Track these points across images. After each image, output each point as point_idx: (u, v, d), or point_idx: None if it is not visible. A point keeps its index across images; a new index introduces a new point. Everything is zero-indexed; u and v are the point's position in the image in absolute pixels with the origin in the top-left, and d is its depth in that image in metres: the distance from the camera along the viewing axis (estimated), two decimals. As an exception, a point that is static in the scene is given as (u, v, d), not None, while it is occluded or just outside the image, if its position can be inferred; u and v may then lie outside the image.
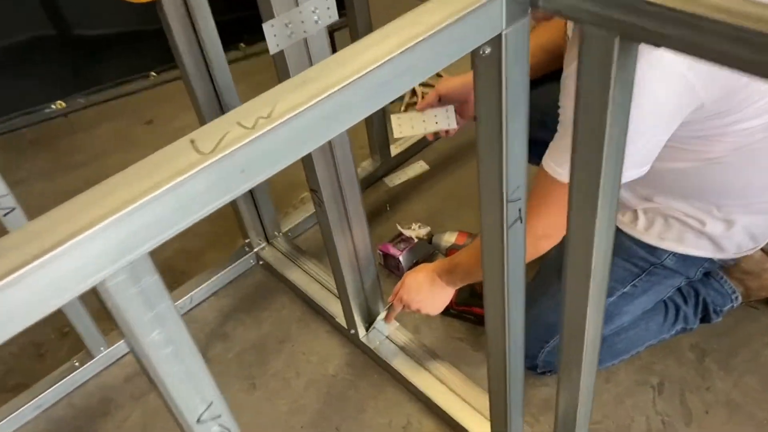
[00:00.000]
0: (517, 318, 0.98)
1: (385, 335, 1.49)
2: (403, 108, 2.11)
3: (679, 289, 1.34)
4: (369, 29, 1.62)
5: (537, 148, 0.94)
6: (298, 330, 1.58)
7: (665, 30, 0.58)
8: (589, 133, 0.71)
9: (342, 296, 1.44)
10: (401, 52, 0.57)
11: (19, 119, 2.35)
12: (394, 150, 1.95)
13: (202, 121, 1.51)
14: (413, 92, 2.17)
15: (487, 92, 0.72)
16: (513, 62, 0.69)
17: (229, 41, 1.46)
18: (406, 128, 1.41)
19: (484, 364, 1.46)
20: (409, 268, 1.51)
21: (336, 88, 0.54)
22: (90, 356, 1.54)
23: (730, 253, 1.22)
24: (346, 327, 1.50)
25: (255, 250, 1.73)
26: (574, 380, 1.00)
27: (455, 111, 1.39)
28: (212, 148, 0.50)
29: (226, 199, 0.52)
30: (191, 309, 1.67)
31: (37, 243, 0.43)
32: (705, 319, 1.39)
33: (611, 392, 1.36)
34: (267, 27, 0.97)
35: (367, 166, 1.92)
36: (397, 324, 1.50)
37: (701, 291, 1.35)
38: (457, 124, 1.38)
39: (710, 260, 1.25)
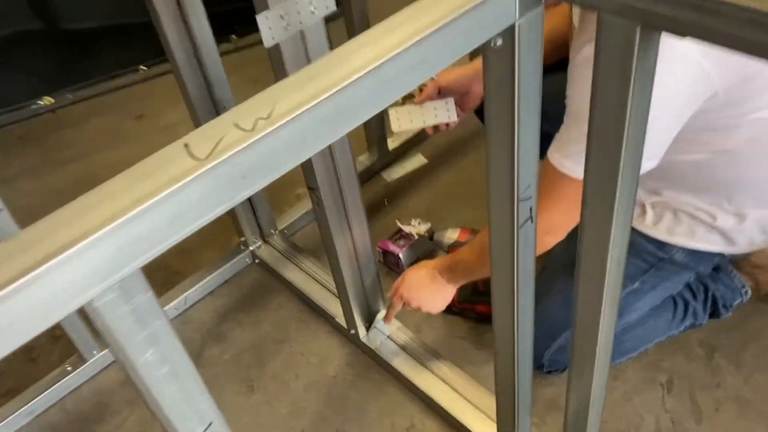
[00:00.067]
0: (526, 319, 0.95)
1: (386, 335, 1.45)
2: (400, 101, 2.07)
3: (688, 284, 1.31)
4: (365, 20, 1.57)
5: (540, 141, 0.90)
6: (296, 330, 1.55)
7: (691, 18, 0.54)
8: (608, 127, 0.67)
9: (341, 295, 1.40)
10: (410, 46, 0.53)
11: (6, 116, 2.29)
12: (392, 143, 1.90)
13: (194, 116, 1.46)
14: (410, 84, 2.12)
15: (498, 86, 0.68)
16: (526, 54, 0.65)
17: (220, 33, 1.41)
18: (404, 122, 1.37)
19: (487, 363, 1.43)
20: (410, 266, 1.47)
21: (341, 86, 0.50)
22: (83, 360, 1.50)
23: (741, 247, 1.19)
24: (346, 327, 1.47)
25: (251, 248, 1.69)
26: (586, 379, 0.96)
27: (455, 103, 1.35)
28: (208, 152, 0.46)
29: (224, 207, 0.48)
30: (186, 309, 1.62)
31: (13, 264, 0.39)
32: (714, 314, 1.35)
33: (619, 390, 1.33)
34: (261, 19, 0.92)
35: (363, 160, 1.88)
36: (399, 323, 1.47)
37: (710, 286, 1.32)
38: (458, 116, 1.34)
39: (721, 255, 1.22)
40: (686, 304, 1.32)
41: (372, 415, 1.37)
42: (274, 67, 1.01)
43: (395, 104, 2.03)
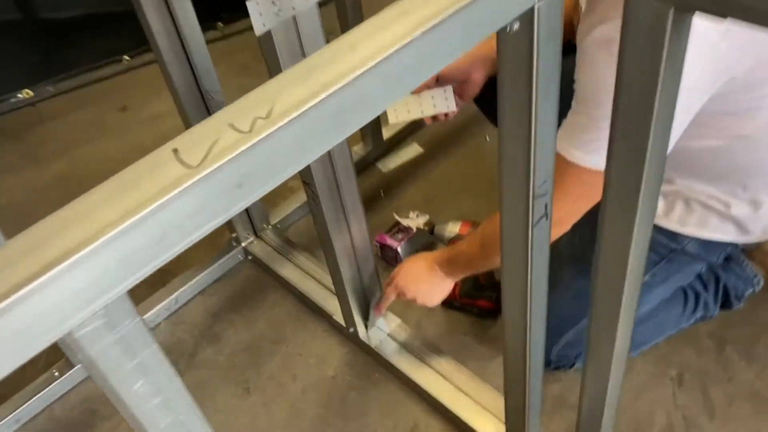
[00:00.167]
0: (538, 318, 0.90)
1: (387, 333, 1.40)
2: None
3: (699, 275, 1.27)
4: (358, 4, 1.51)
5: None
6: (293, 329, 1.49)
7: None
8: (634, 114, 0.62)
9: (339, 292, 1.35)
10: (424, 32, 0.47)
11: (-16, 110, 2.21)
12: (387, 133, 1.84)
13: (180, 107, 1.40)
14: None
15: (513, 75, 0.63)
16: (546, 39, 0.59)
17: (206, 20, 1.35)
18: (401, 113, 1.31)
19: (491, 360, 1.39)
20: (408, 260, 1.42)
21: (348, 79, 0.44)
22: (70, 365, 1.44)
23: (755, 236, 1.15)
24: (344, 325, 1.41)
25: (243, 244, 1.63)
26: (602, 377, 0.92)
27: (454, 92, 1.29)
28: (201, 159, 0.40)
29: (221, 220, 0.42)
30: (177, 310, 1.57)
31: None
32: (725, 305, 1.31)
33: (629, 386, 1.29)
34: (251, 5, 0.86)
35: (358, 150, 1.82)
36: (399, 320, 1.42)
37: (722, 276, 1.28)
38: (456, 106, 1.28)
39: (734, 244, 1.17)
40: (697, 296, 1.28)
41: (373, 416, 1.32)
42: (265, 57, 0.95)
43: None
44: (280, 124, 0.42)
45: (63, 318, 0.37)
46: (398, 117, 1.31)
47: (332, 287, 1.39)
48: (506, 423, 1.15)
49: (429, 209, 1.65)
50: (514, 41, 0.60)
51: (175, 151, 0.41)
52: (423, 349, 1.37)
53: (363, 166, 1.81)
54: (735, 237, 1.15)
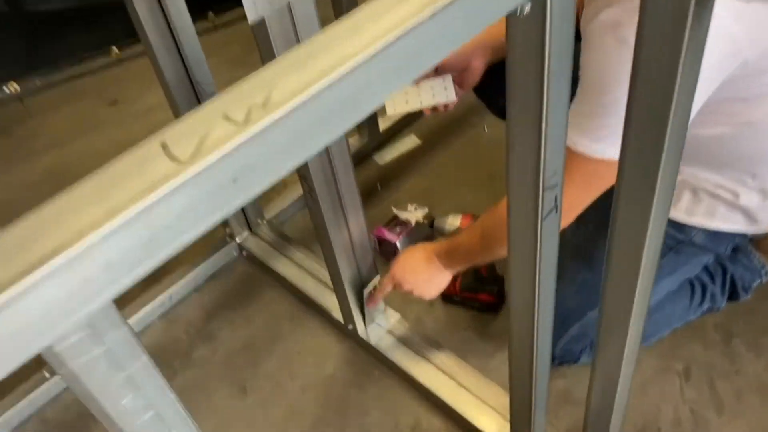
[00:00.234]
0: (546, 314, 0.87)
1: (386, 329, 1.37)
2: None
3: (706, 267, 1.24)
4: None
5: None
6: (290, 327, 1.46)
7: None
8: (652, 102, 0.59)
9: (337, 288, 1.31)
10: (433, 14, 0.43)
11: (-31, 105, 2.16)
12: (383, 124, 1.80)
13: (171, 100, 1.36)
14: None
15: (523, 60, 0.59)
16: (559, 22, 0.56)
17: (196, 10, 1.30)
18: (399, 104, 1.27)
19: (493, 355, 1.36)
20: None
21: (353, 63, 0.40)
22: (62, 366, 1.40)
23: (764, 225, 1.12)
24: (342, 322, 1.38)
25: (237, 240, 1.60)
26: (612, 373, 0.90)
27: (453, 81, 1.25)
28: (191, 152, 0.37)
29: (215, 219, 0.39)
30: (171, 308, 1.53)
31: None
32: (732, 297, 1.29)
33: (634, 380, 1.25)
34: (244, -9, 0.82)
35: (353, 142, 1.78)
36: (398, 316, 1.39)
37: (729, 267, 1.25)
38: (456, 95, 1.25)
39: (742, 234, 1.14)
40: (704, 288, 1.25)
41: (374, 415, 1.29)
42: (259, 47, 0.91)
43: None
44: (279, 113, 0.38)
45: (41, 331, 0.34)
46: (396, 108, 1.27)
47: (330, 283, 1.36)
48: (511, 420, 1.12)
49: (427, 202, 1.61)
50: (525, 25, 0.56)
51: (164, 145, 0.38)
52: (423, 345, 1.34)
53: (359, 159, 1.77)
54: (743, 227, 1.12)
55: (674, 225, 1.13)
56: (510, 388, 1.04)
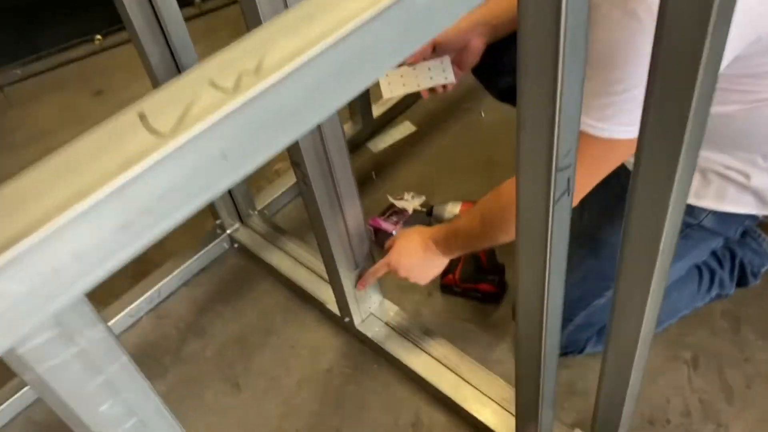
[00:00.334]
0: (556, 303, 0.83)
1: (384, 321, 1.33)
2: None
3: (713, 252, 1.20)
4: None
5: None
6: (284, 320, 1.41)
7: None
8: (676, 77, 0.54)
9: (333, 280, 1.27)
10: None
11: (-53, 96, 2.09)
12: (377, 110, 1.75)
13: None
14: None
15: (536, 28, 0.54)
16: (577, -16, 0.51)
17: (182, -5, 1.25)
18: (396, 86, 1.22)
19: (494, 347, 1.32)
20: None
21: (356, 23, 0.36)
22: (48, 365, 1.35)
23: (775, 208, 1.08)
24: (338, 314, 1.34)
25: (228, 231, 1.55)
26: (625, 359, 0.86)
27: (452, 62, 1.20)
28: (173, 124, 0.32)
29: (202, 201, 0.34)
30: (160, 302, 1.48)
31: None
32: (741, 282, 1.25)
33: (641, 370, 1.23)
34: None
35: (347, 129, 1.73)
36: (396, 308, 1.34)
37: (737, 252, 1.22)
38: (455, 77, 1.20)
39: (752, 217, 1.10)
40: (712, 274, 1.22)
41: (373, 410, 1.25)
42: (248, 23, 0.86)
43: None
44: (272, 79, 0.34)
45: (5, 329, 0.29)
46: (393, 91, 1.22)
47: (324, 275, 1.31)
48: (517, 413, 1.08)
49: (424, 190, 1.56)
50: (539, -12, 0.51)
51: (142, 115, 0.33)
52: (423, 337, 1.30)
53: (352, 147, 1.72)
54: (754, 209, 1.08)
55: (683, 209, 1.09)
56: (516, 380, 1.00)
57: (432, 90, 1.21)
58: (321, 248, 1.20)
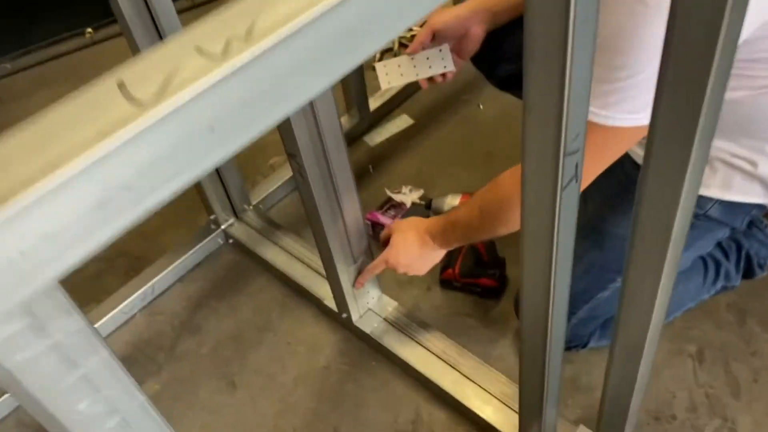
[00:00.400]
0: (562, 296, 0.80)
1: (383, 317, 1.30)
2: (378, 56, 1.88)
3: (719, 243, 1.18)
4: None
5: None
6: (280, 316, 1.38)
7: None
8: (690, 61, 0.52)
9: (330, 275, 1.24)
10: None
11: (-63, 91, 2.05)
12: (374, 103, 1.72)
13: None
14: (387, 38, 1.93)
15: (546, 6, 0.51)
16: (588, -46, 0.48)
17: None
18: (394, 77, 1.20)
19: (496, 343, 1.29)
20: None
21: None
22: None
23: (783, 197, 1.05)
24: (336, 310, 1.31)
25: (222, 227, 1.51)
26: (633, 353, 0.83)
27: (451, 51, 1.17)
28: (155, 92, 0.29)
29: (187, 179, 0.31)
30: (154, 299, 1.44)
31: None
32: (747, 274, 1.23)
33: (645, 365, 1.20)
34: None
35: (343, 123, 1.69)
36: (395, 303, 1.31)
37: (743, 243, 1.19)
38: (455, 65, 1.17)
39: (759, 206, 1.08)
40: (718, 265, 1.19)
41: (372, 408, 1.22)
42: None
43: (383, 57, 1.86)
44: (265, 45, 0.31)
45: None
46: (391, 81, 1.19)
47: (321, 270, 1.28)
48: (520, 410, 1.05)
49: (422, 184, 1.54)
50: (548, -41, 0.49)
51: (121, 84, 0.30)
52: (422, 332, 1.27)
53: (349, 140, 1.68)
54: (761, 198, 1.05)
55: (688, 199, 1.06)
56: (520, 375, 0.97)
57: (431, 79, 1.18)
58: (318, 242, 1.17)
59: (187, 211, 1.56)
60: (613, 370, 0.88)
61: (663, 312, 0.79)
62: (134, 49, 1.22)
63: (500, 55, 1.19)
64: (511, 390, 1.16)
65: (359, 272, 1.24)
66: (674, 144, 0.60)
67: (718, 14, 0.48)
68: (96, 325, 1.37)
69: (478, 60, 1.24)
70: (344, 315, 1.30)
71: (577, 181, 0.66)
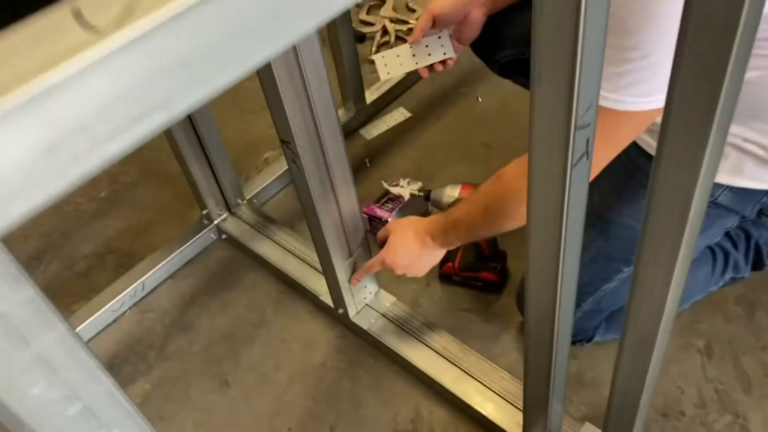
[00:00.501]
0: (570, 285, 0.76)
1: (380, 312, 1.26)
2: (374, 49, 1.84)
3: (727, 233, 1.14)
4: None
5: None
6: (274, 313, 1.34)
7: None
8: (709, 41, 0.48)
9: (326, 270, 1.20)
10: None
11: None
12: (370, 96, 1.68)
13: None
14: (384, 31, 1.90)
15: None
16: None
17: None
18: (393, 67, 1.16)
19: (497, 338, 1.25)
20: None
21: None
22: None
23: (795, 183, 1.01)
24: (332, 306, 1.26)
25: (215, 222, 1.47)
26: (645, 346, 0.79)
27: (450, 37, 1.13)
28: (115, 18, 0.25)
29: (155, 124, 0.27)
30: (144, 297, 1.40)
31: None
32: (756, 265, 1.19)
33: (652, 360, 1.16)
34: None
35: (339, 116, 1.65)
36: (393, 298, 1.27)
37: (753, 233, 1.15)
38: (455, 51, 1.13)
39: (768, 194, 1.04)
40: (726, 256, 1.15)
41: (370, 406, 1.18)
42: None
43: (380, 50, 1.82)
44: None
45: None
46: (390, 72, 1.16)
47: (317, 265, 1.24)
48: (524, 407, 1.01)
49: (420, 178, 1.49)
50: None
51: (77, 12, 0.25)
52: (421, 328, 1.23)
53: (345, 134, 1.63)
54: (773, 185, 1.02)
55: (697, 186, 1.02)
56: (525, 371, 0.93)
57: (431, 68, 1.15)
58: (313, 235, 1.13)
59: (179, 206, 1.52)
60: (623, 364, 0.84)
61: (676, 303, 0.75)
62: None
63: (501, 41, 1.15)
64: (514, 386, 1.12)
65: (355, 266, 1.19)
66: (691, 128, 0.56)
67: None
68: (85, 323, 1.33)
69: (477, 46, 1.20)
70: (341, 311, 1.25)
71: (588, 158, 0.62)
